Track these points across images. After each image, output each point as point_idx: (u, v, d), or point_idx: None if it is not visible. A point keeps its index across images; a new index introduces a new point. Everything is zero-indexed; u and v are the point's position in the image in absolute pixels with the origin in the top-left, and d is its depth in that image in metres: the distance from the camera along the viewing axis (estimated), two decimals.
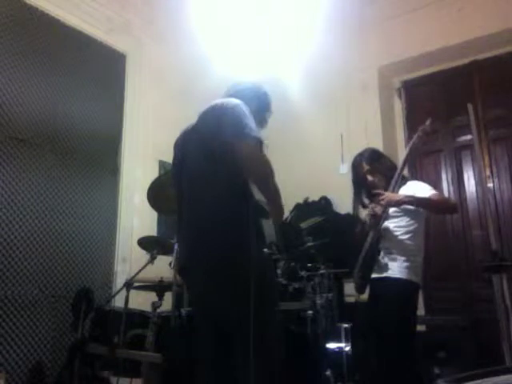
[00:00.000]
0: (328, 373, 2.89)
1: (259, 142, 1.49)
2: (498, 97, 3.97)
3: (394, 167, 2.56)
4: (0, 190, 2.91)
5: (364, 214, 2.53)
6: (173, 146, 1.85)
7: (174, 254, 2.52)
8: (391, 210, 2.46)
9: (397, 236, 2.43)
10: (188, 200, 1.68)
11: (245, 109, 1.58)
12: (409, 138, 4.27)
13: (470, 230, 3.97)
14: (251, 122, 1.52)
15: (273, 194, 1.63)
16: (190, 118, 1.74)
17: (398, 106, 4.57)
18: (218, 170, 1.57)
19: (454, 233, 4.05)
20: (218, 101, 1.68)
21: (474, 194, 4.00)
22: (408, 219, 2.44)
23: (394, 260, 2.40)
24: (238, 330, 1.53)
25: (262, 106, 1.85)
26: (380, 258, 2.44)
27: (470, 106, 2.44)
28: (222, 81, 4.50)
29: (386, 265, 2.41)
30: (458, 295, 3.87)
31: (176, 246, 2.43)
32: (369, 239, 2.50)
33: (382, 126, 4.30)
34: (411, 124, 4.40)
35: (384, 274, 2.41)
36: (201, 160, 1.62)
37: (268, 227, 1.66)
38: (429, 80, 4.38)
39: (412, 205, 2.38)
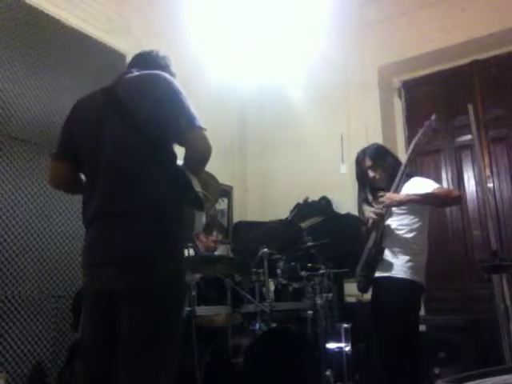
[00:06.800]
0: (328, 373, 2.89)
1: (205, 130, 1.51)
2: (498, 97, 3.98)
3: (397, 164, 2.55)
4: (0, 189, 2.91)
5: (368, 211, 2.53)
6: (74, 109, 1.67)
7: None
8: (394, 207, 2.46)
9: (400, 234, 2.43)
10: (107, 182, 1.48)
11: (179, 86, 1.54)
12: (409, 137, 4.28)
13: (469, 230, 3.98)
14: (192, 105, 1.52)
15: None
16: None
17: (398, 106, 4.57)
18: (153, 154, 1.48)
19: (454, 233, 4.05)
20: (149, 73, 1.59)
21: (474, 194, 4.01)
22: (412, 217, 2.43)
23: (397, 259, 2.39)
24: (144, 342, 1.39)
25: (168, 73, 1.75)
26: (384, 256, 2.44)
27: (470, 106, 2.43)
28: (222, 81, 4.55)
29: (390, 264, 2.40)
30: (458, 295, 3.87)
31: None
32: (372, 238, 2.50)
33: (382, 126, 4.30)
34: (411, 124, 4.40)
35: (387, 274, 2.40)
36: (131, 140, 1.48)
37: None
38: (429, 80, 4.38)
39: (415, 202, 2.38)
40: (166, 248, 1.45)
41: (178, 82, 1.57)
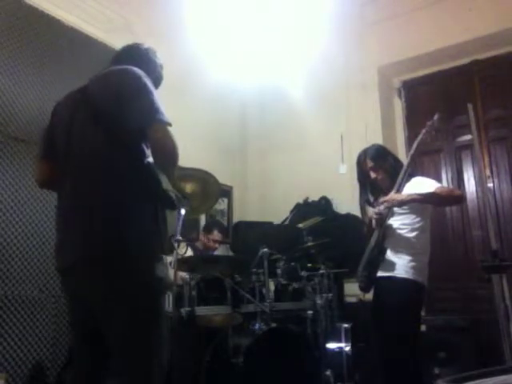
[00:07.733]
0: (328, 373, 2.89)
1: (169, 125, 1.46)
2: (498, 97, 3.98)
3: (398, 164, 2.55)
4: (0, 189, 2.91)
5: (369, 211, 2.53)
6: (54, 109, 1.67)
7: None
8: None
9: (402, 234, 2.43)
10: (74, 181, 1.48)
11: (148, 81, 1.51)
12: (409, 137, 4.28)
13: (469, 230, 3.98)
14: (158, 100, 1.48)
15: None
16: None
17: (398, 106, 4.57)
18: (119, 151, 1.46)
19: (454, 233, 4.05)
20: (117, 69, 1.57)
21: (474, 194, 4.01)
22: (414, 216, 2.43)
23: (399, 259, 2.39)
24: (122, 341, 1.39)
25: (151, 67, 1.72)
26: (386, 256, 2.43)
27: (470, 106, 2.43)
28: (222, 81, 4.55)
29: (392, 264, 2.39)
30: (458, 295, 3.88)
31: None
32: (374, 238, 2.50)
33: (381, 126, 4.30)
34: (411, 124, 4.40)
35: (389, 274, 2.40)
36: (97, 137, 1.47)
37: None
38: (429, 80, 4.39)
39: (417, 201, 2.37)
40: (129, 247, 1.41)
41: (147, 78, 1.52)
